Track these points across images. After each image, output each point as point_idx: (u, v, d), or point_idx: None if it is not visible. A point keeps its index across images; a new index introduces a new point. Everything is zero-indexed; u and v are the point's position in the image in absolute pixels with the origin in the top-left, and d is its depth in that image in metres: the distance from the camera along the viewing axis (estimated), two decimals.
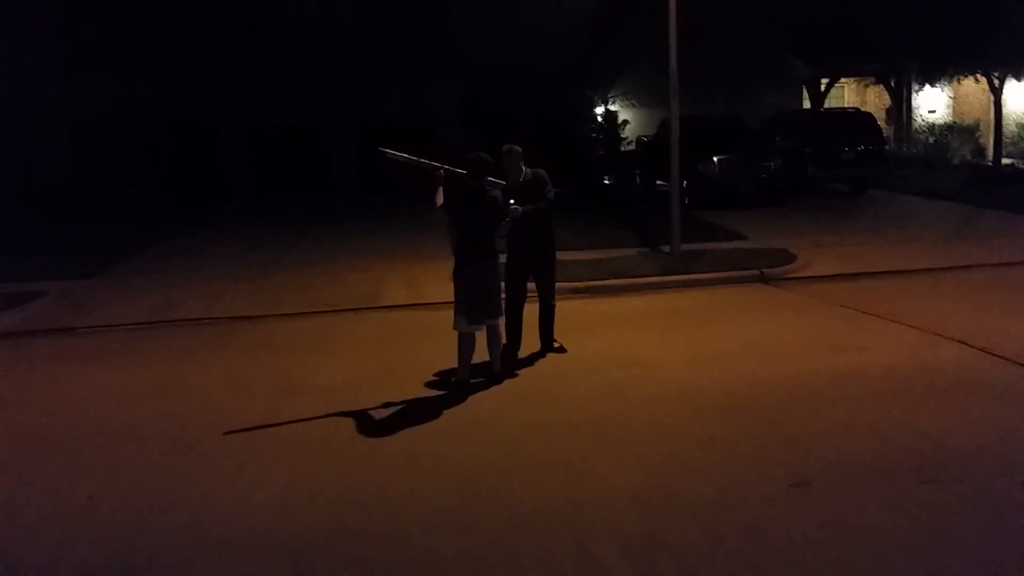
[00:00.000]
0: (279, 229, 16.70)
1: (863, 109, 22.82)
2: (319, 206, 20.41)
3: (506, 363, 7.07)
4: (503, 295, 7.01)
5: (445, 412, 6.20)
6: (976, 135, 25.03)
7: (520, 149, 7.26)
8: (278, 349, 8.27)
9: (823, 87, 26.36)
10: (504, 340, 7.13)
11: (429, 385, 6.84)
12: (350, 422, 6.04)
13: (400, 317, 9.48)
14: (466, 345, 6.66)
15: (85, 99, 19.11)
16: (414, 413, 6.19)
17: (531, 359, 7.46)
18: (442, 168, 6.91)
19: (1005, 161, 22.33)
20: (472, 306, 6.59)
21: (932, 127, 25.40)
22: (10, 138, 17.96)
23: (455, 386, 6.69)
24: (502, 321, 6.97)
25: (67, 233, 16.17)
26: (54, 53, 18.77)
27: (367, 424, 6.01)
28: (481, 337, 6.77)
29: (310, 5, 22.08)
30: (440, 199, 6.76)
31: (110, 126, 19.85)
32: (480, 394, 6.56)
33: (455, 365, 6.75)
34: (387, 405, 6.34)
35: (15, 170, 17.87)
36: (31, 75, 18.15)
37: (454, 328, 6.66)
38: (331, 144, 22.80)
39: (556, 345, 7.65)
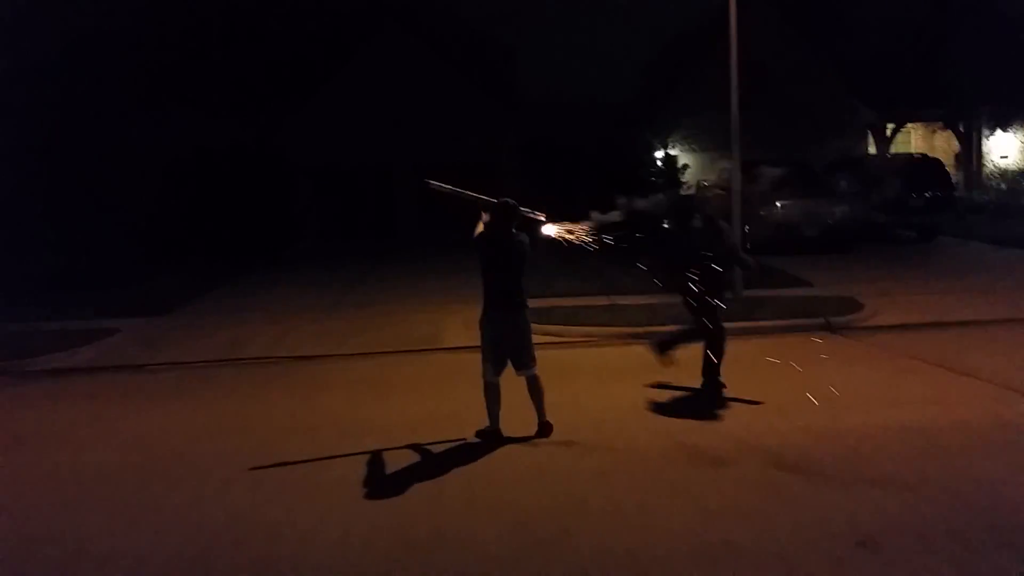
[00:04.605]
0: (343, 270, 17.08)
1: (931, 155, 22.39)
2: (381, 248, 20.80)
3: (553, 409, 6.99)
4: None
5: (503, 457, 6.20)
6: None
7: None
8: (339, 389, 8.40)
9: (889, 132, 25.95)
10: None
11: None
12: (409, 463, 6.08)
13: (459, 359, 9.50)
14: (492, 394, 6.52)
15: (160, 140, 19.86)
16: (473, 456, 6.20)
17: (588, 405, 7.43)
18: (487, 200, 6.86)
19: None
20: (497, 355, 6.47)
21: (1004, 172, 24.76)
22: (84, 177, 18.68)
23: (482, 435, 6.53)
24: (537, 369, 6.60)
25: (139, 272, 16.74)
26: (131, 93, 19.53)
27: (426, 466, 6.04)
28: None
29: (376, 55, 22.75)
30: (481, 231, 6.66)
31: (183, 167, 20.59)
32: (537, 441, 6.53)
33: (513, 409, 6.67)
34: (446, 447, 6.37)
35: (88, 209, 18.55)
36: (107, 114, 18.89)
37: (482, 377, 6.53)
38: (393, 188, 23.27)
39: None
